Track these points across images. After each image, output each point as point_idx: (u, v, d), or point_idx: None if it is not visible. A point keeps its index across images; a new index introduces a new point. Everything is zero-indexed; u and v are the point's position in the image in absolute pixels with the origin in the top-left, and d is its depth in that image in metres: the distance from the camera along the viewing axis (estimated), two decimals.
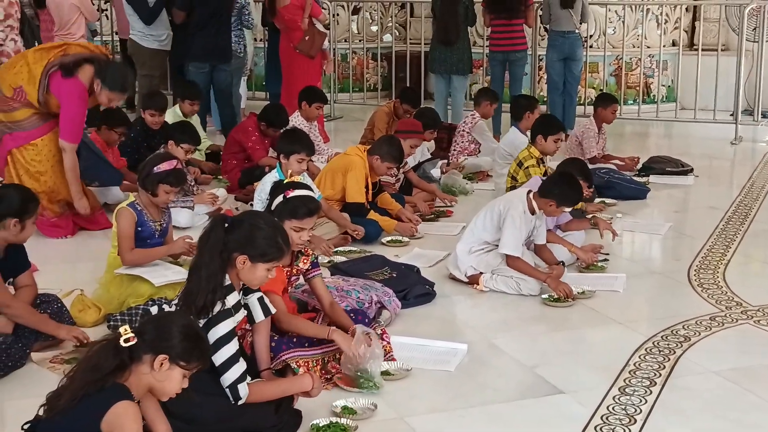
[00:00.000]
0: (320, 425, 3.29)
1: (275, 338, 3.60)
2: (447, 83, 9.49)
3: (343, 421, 3.33)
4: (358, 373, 3.63)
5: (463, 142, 7.96)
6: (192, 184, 6.49)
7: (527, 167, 5.99)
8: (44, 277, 4.21)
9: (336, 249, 5.46)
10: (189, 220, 6.05)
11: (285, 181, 4.05)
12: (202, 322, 3.10)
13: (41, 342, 3.96)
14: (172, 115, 7.53)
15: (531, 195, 4.91)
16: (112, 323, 4.24)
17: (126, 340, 2.66)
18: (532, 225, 4.93)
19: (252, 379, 3.24)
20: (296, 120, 7.57)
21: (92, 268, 4.87)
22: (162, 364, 2.69)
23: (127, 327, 2.71)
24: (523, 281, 4.82)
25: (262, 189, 5.23)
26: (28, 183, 5.51)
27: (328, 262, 5.17)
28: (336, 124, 10.55)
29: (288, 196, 3.88)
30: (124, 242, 4.43)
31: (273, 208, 3.91)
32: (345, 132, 9.95)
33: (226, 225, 3.26)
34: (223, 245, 3.21)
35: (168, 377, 2.71)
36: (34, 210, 3.99)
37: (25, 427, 2.73)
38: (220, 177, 7.35)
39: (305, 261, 3.93)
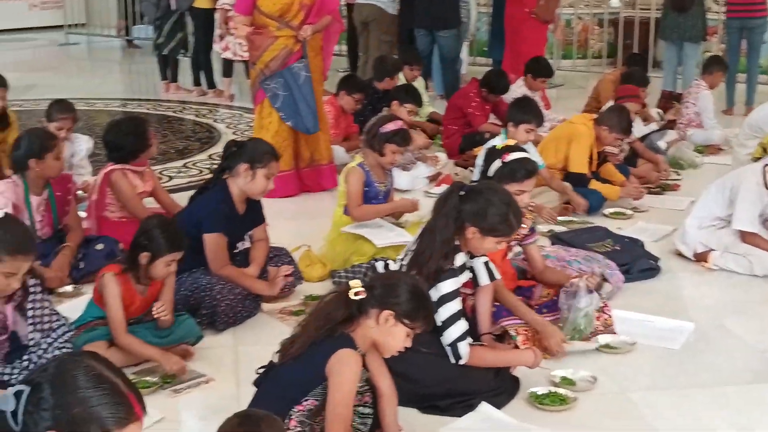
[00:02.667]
0: (538, 393, 3.28)
1: (496, 304, 3.60)
2: (678, 51, 9.06)
3: (563, 391, 3.30)
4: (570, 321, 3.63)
5: (688, 113, 7.52)
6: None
7: None
8: (271, 233, 4.39)
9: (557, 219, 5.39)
10: (409, 182, 6.15)
11: (499, 146, 4.03)
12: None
13: None
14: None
15: (767, 168, 4.64)
16: (336, 279, 4.41)
17: (356, 293, 2.75)
18: (766, 200, 4.66)
19: (473, 342, 3.26)
20: (519, 88, 7.47)
21: (315, 226, 5.05)
22: (387, 319, 2.75)
23: (357, 281, 2.80)
24: (758, 259, 4.56)
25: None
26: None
27: (549, 231, 5.10)
28: (558, 91, 10.33)
29: (505, 160, 3.87)
30: (353, 198, 4.57)
31: (491, 174, 3.90)
32: (566, 99, 9.71)
33: (462, 193, 3.27)
34: (457, 213, 3.22)
35: (392, 333, 2.77)
36: (267, 161, 4.06)
37: (260, 371, 2.89)
38: (440, 143, 7.39)
39: (524, 225, 3.89)
